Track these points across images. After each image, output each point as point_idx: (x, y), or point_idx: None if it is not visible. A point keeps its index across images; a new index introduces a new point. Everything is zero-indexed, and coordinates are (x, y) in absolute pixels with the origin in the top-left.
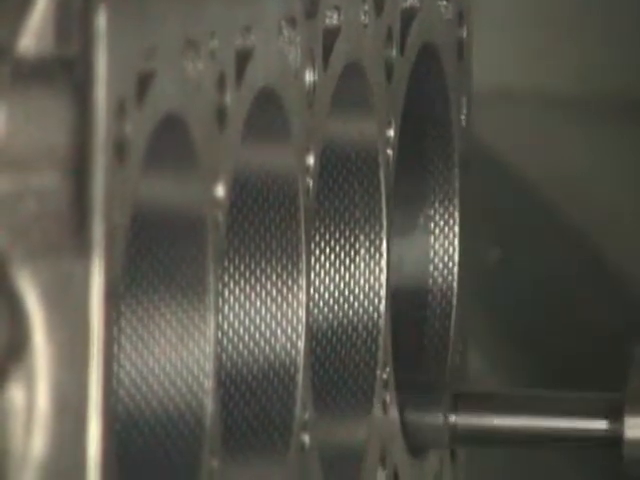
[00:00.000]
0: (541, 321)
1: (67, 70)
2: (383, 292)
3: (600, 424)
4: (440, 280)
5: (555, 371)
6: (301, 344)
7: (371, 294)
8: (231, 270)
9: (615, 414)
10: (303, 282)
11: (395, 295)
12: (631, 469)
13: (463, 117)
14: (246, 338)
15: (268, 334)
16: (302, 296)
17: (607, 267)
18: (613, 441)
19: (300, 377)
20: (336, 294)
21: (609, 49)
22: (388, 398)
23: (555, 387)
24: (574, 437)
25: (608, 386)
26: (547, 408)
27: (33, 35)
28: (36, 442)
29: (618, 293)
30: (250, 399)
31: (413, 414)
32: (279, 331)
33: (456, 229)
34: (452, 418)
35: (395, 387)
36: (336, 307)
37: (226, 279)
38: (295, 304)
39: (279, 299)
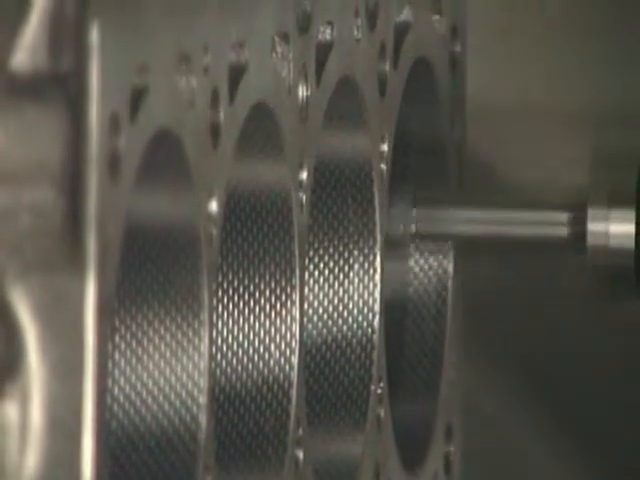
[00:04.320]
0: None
1: (61, 85)
2: (377, 307)
3: (563, 216)
4: (434, 296)
5: None
6: (295, 359)
7: (365, 309)
8: (225, 285)
9: (579, 207)
10: (297, 297)
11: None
12: (594, 261)
13: (457, 132)
14: (240, 353)
15: (262, 349)
16: (296, 311)
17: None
18: (577, 234)
19: (294, 393)
20: (330, 309)
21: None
22: (382, 413)
23: None
24: (538, 232)
25: None
26: (512, 202)
27: (27, 50)
28: (30, 459)
29: None
30: (244, 415)
31: None
32: (273, 346)
33: (450, 243)
34: (413, 212)
35: None
36: (330, 322)
37: (220, 294)
38: (289, 319)
39: (273, 314)
